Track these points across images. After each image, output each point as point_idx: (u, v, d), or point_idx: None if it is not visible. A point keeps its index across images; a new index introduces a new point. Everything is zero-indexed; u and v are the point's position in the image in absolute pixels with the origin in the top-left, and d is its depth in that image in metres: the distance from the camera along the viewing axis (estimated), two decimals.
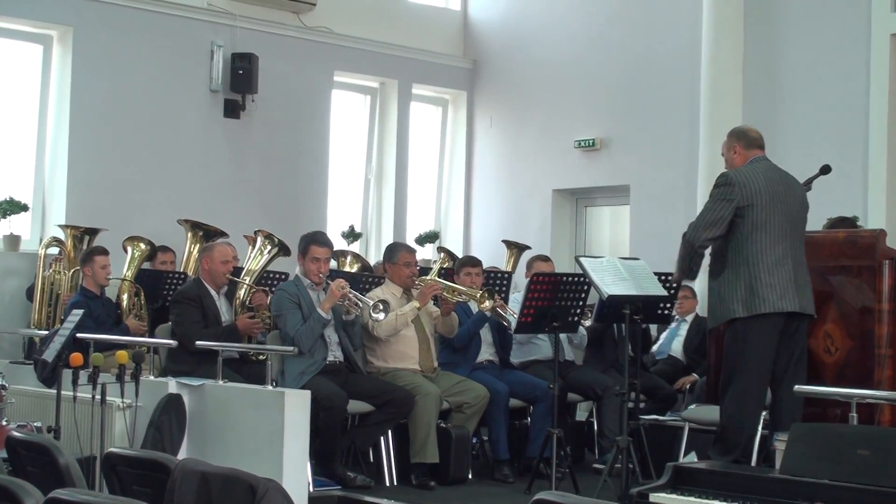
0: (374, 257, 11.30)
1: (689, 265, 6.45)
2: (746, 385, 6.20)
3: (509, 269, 10.40)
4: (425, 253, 12.13)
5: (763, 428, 6.54)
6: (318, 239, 7.64)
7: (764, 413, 6.46)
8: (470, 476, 7.65)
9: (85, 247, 9.01)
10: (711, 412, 6.72)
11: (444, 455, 7.46)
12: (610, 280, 6.69)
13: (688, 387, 8.68)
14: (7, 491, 3.32)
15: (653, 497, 5.08)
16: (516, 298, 8.15)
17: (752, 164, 6.36)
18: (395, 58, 12.23)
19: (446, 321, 7.85)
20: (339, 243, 11.27)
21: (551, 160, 12.00)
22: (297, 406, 6.58)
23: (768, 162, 6.42)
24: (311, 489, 6.87)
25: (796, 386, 6.11)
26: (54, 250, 9.27)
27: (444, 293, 7.79)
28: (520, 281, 9.53)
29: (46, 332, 8.16)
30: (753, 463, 6.51)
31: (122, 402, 6.63)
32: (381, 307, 7.43)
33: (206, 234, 9.37)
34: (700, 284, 8.47)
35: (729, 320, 6.26)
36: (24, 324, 9.30)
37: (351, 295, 7.41)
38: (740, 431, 6.18)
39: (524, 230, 11.82)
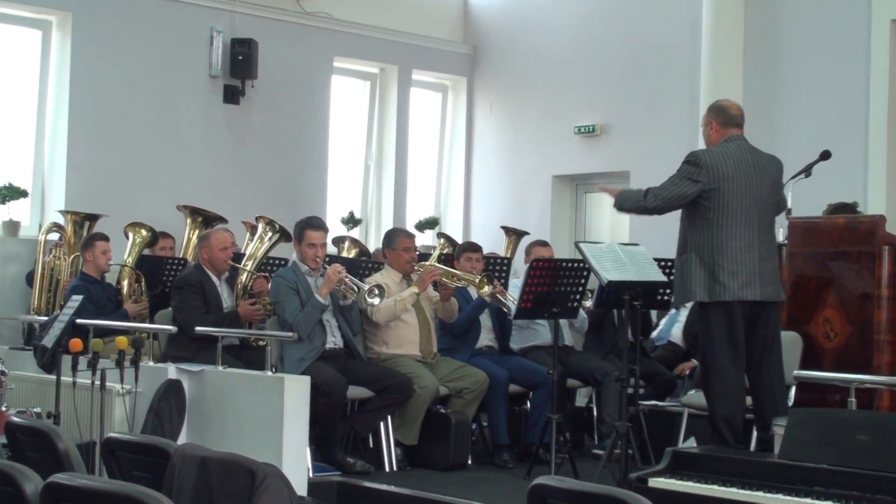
0: (374, 243, 11.30)
1: (632, 211, 6.63)
2: (722, 372, 6.18)
3: (508, 255, 10.40)
4: (425, 239, 12.13)
5: (745, 411, 6.52)
6: (312, 223, 7.63)
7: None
8: (469, 461, 7.67)
9: (85, 232, 9.00)
10: None
11: (444, 440, 7.48)
12: (609, 266, 6.68)
13: (687, 372, 8.68)
14: (7, 476, 3.32)
15: (652, 482, 5.09)
16: (516, 284, 8.16)
17: (725, 144, 6.28)
18: (395, 43, 12.21)
19: (446, 306, 7.86)
20: (338, 229, 11.27)
21: (551, 146, 12.00)
22: (296, 392, 6.58)
23: (743, 142, 6.32)
24: (311, 475, 6.88)
25: (796, 371, 6.14)
26: (54, 236, 9.26)
27: (443, 278, 7.80)
28: (519, 267, 9.53)
29: (46, 318, 8.16)
30: (752, 448, 6.52)
31: (122, 387, 6.63)
32: (377, 292, 7.43)
33: (205, 219, 9.35)
34: None
35: (700, 305, 6.26)
36: (24, 309, 9.29)
37: (347, 279, 7.41)
38: (729, 425, 6.18)
39: (524, 216, 11.82)
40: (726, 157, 6.19)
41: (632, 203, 6.49)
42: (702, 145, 10.04)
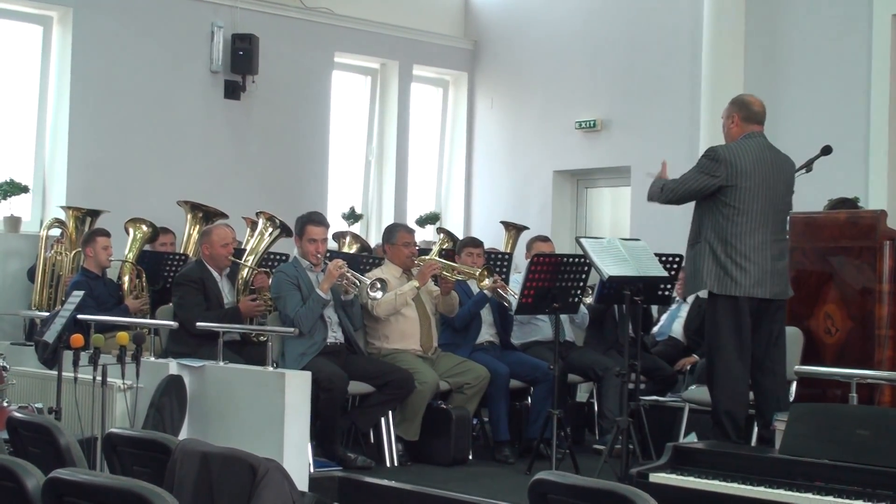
0: (375, 239, 11.30)
1: (655, 201, 6.57)
2: (727, 366, 6.18)
3: (508, 250, 10.39)
4: (426, 234, 12.13)
5: (749, 406, 6.52)
6: (313, 219, 7.63)
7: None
8: (470, 457, 7.67)
9: (86, 228, 9.00)
10: None
11: (445, 436, 7.49)
12: (610, 261, 6.67)
13: (688, 368, 8.68)
14: (8, 471, 3.32)
15: (653, 477, 5.10)
16: (516, 279, 8.16)
17: (745, 141, 6.27)
18: (395, 39, 12.21)
19: (447, 300, 7.86)
20: (339, 225, 11.28)
21: (552, 141, 11.99)
22: (297, 387, 6.59)
23: (763, 140, 6.32)
24: (312, 470, 6.88)
25: (797, 367, 6.14)
26: (56, 232, 9.27)
27: (444, 272, 7.80)
28: (520, 262, 9.54)
29: (47, 314, 8.17)
30: (753, 444, 6.52)
31: (123, 383, 6.63)
32: (379, 285, 7.43)
33: (206, 215, 9.36)
34: None
35: (709, 295, 6.26)
36: (25, 305, 9.31)
37: (348, 274, 7.41)
38: (732, 419, 6.18)
39: (525, 211, 11.82)
40: (745, 153, 6.19)
41: (653, 194, 6.54)
42: (702, 140, 10.12)
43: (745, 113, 6.35)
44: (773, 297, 6.20)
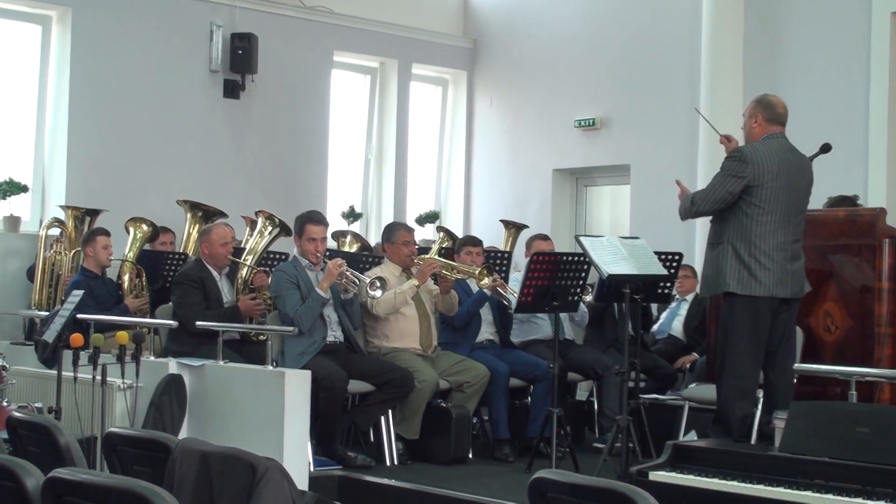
0: (375, 237, 11.31)
1: (689, 217, 6.55)
2: (739, 364, 6.18)
3: (507, 248, 10.39)
4: (425, 233, 12.13)
5: (756, 406, 6.52)
6: (313, 218, 7.63)
7: (759, 391, 6.46)
8: (470, 455, 7.67)
9: (86, 227, 9.00)
10: (711, 391, 6.72)
11: (444, 435, 7.49)
12: (610, 259, 6.67)
13: (688, 366, 8.69)
14: (8, 470, 3.32)
15: (652, 475, 5.11)
16: (516, 278, 8.16)
17: (768, 141, 6.24)
18: (395, 37, 12.21)
19: (446, 299, 7.86)
20: (339, 224, 11.28)
21: (551, 140, 12.00)
22: (297, 386, 6.59)
23: (785, 141, 6.28)
24: (312, 469, 6.88)
25: (796, 364, 6.14)
26: (55, 231, 9.27)
27: (443, 270, 7.80)
28: (519, 260, 9.54)
29: (47, 313, 8.17)
30: (753, 441, 6.52)
31: (123, 382, 6.63)
32: (378, 284, 7.43)
33: (206, 214, 9.36)
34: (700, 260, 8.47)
35: (725, 294, 6.24)
36: (25, 304, 9.30)
37: (348, 273, 7.41)
38: (737, 412, 6.18)
39: (524, 210, 11.83)
40: (770, 154, 6.17)
41: (685, 211, 6.46)
42: (701, 139, 10.11)
43: (769, 114, 6.32)
44: (793, 296, 6.20)
